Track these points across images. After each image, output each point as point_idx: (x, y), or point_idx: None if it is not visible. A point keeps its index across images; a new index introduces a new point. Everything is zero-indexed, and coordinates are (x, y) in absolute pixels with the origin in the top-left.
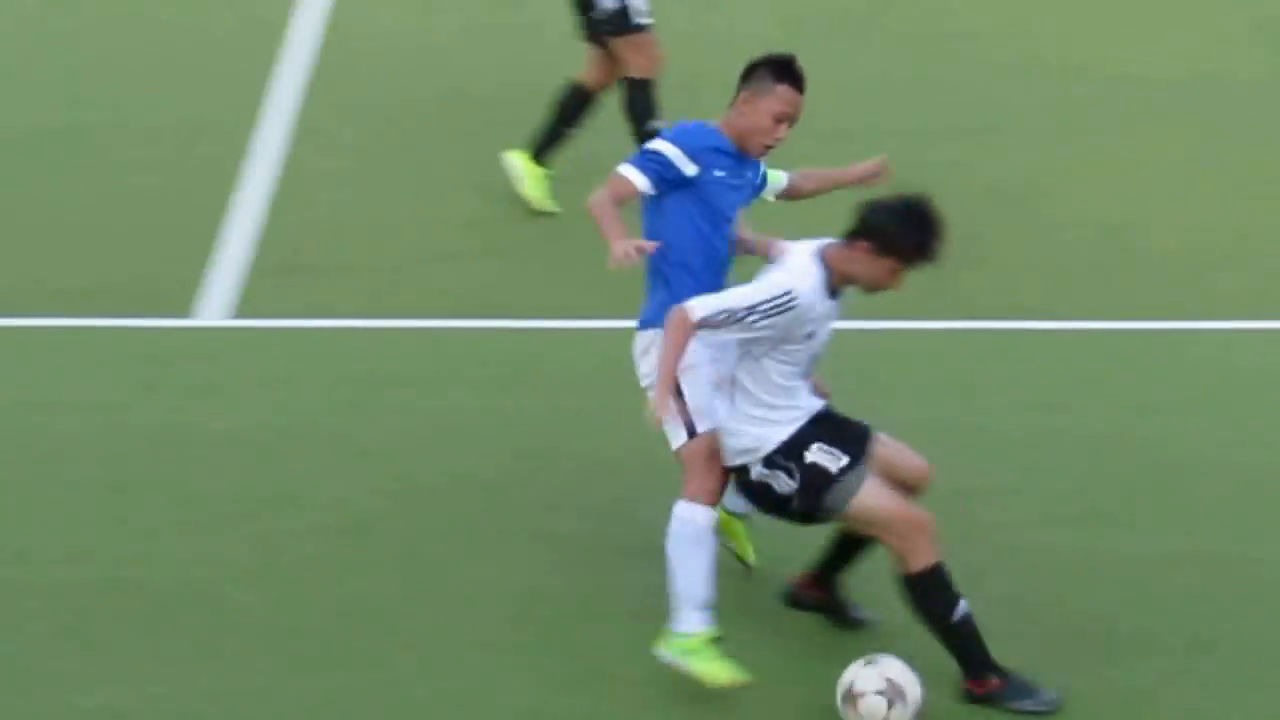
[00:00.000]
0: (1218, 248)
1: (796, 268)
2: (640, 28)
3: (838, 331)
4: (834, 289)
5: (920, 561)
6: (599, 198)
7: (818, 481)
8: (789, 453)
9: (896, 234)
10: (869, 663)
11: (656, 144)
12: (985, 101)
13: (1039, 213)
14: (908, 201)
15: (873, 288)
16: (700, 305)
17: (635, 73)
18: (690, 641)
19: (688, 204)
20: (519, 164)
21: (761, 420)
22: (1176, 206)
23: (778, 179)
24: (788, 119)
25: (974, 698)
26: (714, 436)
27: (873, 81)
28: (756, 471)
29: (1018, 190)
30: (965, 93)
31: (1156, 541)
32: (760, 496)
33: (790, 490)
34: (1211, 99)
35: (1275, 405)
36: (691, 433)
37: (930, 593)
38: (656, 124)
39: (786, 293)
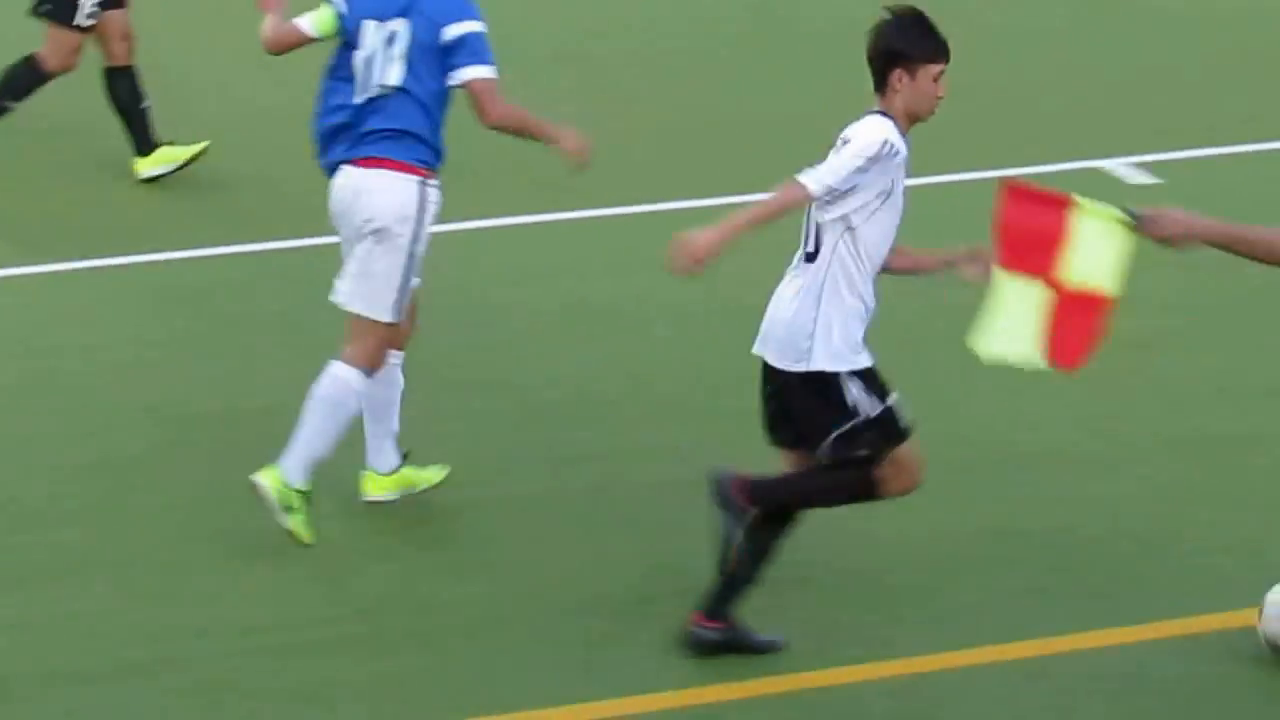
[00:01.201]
0: None
1: (870, 122)
2: (77, 28)
3: None
4: (904, 134)
5: (885, 491)
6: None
7: (889, 426)
8: (875, 380)
9: (914, 42)
10: None
11: None
12: None
13: None
14: (896, 15)
15: (930, 106)
16: (815, 179)
17: (49, 63)
18: (294, 495)
19: None
20: None
21: (852, 319)
22: None
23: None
24: None
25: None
26: (398, 324)
27: None
28: (846, 376)
29: None
30: None
31: None
32: (820, 395)
33: (866, 413)
34: None
35: None
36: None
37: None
38: (13, 105)
39: (884, 141)
